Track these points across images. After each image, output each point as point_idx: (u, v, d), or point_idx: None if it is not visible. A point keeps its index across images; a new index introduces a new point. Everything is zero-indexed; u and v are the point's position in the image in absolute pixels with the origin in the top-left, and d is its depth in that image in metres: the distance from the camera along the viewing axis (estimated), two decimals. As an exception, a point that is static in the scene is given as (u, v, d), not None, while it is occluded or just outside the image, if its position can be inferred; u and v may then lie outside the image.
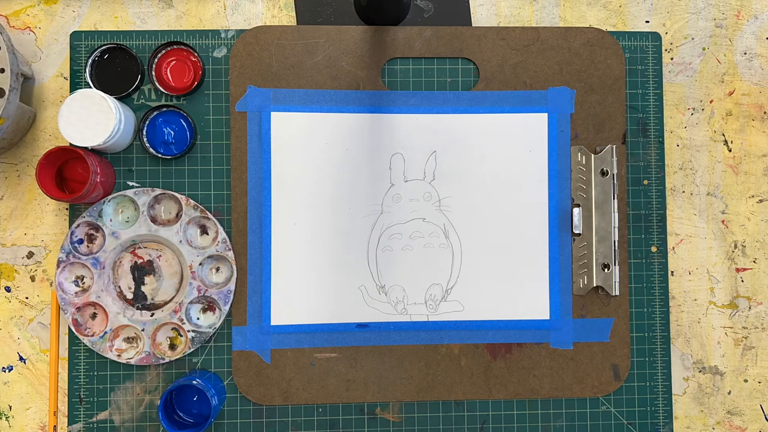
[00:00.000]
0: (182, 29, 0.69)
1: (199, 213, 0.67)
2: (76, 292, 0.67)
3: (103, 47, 0.67)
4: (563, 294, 0.69)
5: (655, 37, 0.71)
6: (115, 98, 0.67)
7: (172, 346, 0.67)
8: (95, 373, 0.67)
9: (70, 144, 0.64)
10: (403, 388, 0.68)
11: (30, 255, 0.68)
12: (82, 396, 0.67)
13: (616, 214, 0.68)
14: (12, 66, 0.60)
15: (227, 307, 0.67)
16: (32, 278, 0.68)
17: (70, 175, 0.67)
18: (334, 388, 0.68)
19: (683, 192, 0.72)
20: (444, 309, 0.69)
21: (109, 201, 0.66)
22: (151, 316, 0.67)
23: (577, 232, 0.69)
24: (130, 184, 0.68)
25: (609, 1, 0.72)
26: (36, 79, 0.69)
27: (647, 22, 0.72)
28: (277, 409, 0.68)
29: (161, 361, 0.66)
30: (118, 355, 0.66)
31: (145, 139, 0.68)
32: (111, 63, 0.68)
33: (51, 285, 0.68)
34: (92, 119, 0.62)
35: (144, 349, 0.66)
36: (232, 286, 0.67)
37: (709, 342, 0.71)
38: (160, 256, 0.68)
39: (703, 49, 0.72)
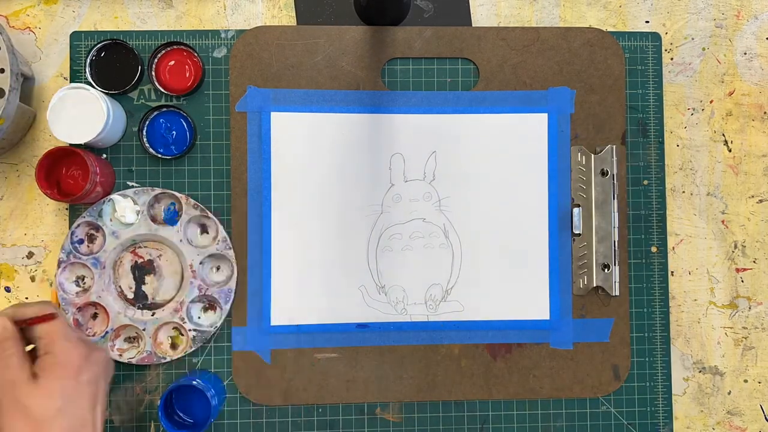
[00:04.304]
0: (182, 29, 0.69)
1: (199, 212, 0.67)
2: (77, 292, 0.67)
3: (100, 44, 0.67)
4: (563, 294, 0.69)
5: (655, 37, 0.71)
6: (117, 95, 0.67)
7: (174, 346, 0.67)
8: (95, 373, 0.67)
9: (70, 144, 0.64)
10: (403, 388, 0.68)
11: (30, 255, 0.68)
12: (82, 396, 0.67)
13: (616, 214, 0.68)
14: (12, 66, 0.60)
15: (228, 306, 0.67)
16: (32, 278, 0.68)
17: (69, 176, 0.67)
18: (334, 388, 0.68)
19: (683, 192, 0.72)
20: (444, 309, 0.69)
21: (109, 201, 0.66)
22: (152, 315, 0.67)
23: (577, 232, 0.69)
24: (130, 184, 0.68)
25: (609, 1, 0.72)
26: (36, 79, 0.69)
27: (647, 22, 0.72)
28: (277, 409, 0.68)
29: (163, 361, 0.66)
30: (120, 355, 0.66)
31: (145, 139, 0.68)
32: (110, 60, 0.68)
33: (51, 285, 0.68)
34: (81, 115, 0.63)
35: (145, 349, 0.66)
36: (232, 284, 0.67)
37: (709, 342, 0.71)
38: (161, 255, 0.68)
39: (703, 49, 0.72)
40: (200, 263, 0.67)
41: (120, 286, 0.68)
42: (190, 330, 0.66)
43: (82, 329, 0.66)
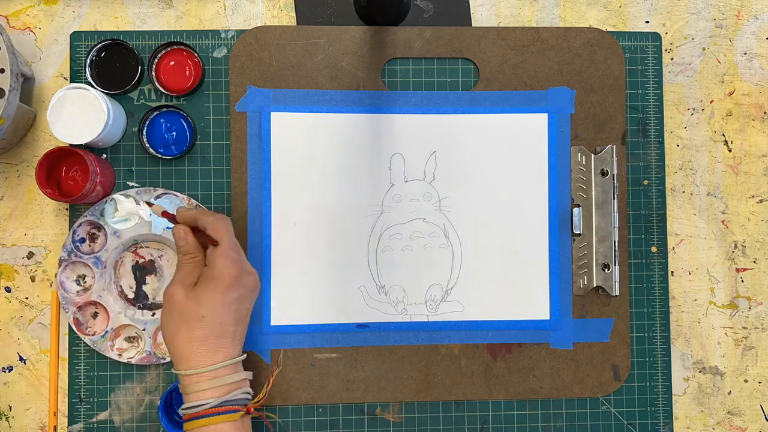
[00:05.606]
0: (182, 29, 0.69)
1: (200, 213, 0.67)
2: (77, 291, 0.67)
3: (100, 45, 0.67)
4: (563, 294, 0.69)
5: (655, 37, 0.71)
6: (117, 95, 0.67)
7: (173, 346, 0.67)
8: (95, 374, 0.67)
9: (70, 144, 0.64)
10: (403, 388, 0.68)
11: (30, 255, 0.68)
12: (82, 396, 0.67)
13: (616, 214, 0.68)
14: (12, 66, 0.60)
15: (227, 307, 0.67)
16: (32, 278, 0.68)
17: (70, 176, 0.67)
18: (334, 388, 0.68)
19: (683, 192, 0.72)
20: (444, 309, 0.69)
21: (111, 200, 0.66)
22: (152, 315, 0.67)
23: (577, 232, 0.69)
24: (130, 184, 0.68)
25: (609, 1, 0.72)
26: (36, 79, 0.69)
27: (647, 22, 0.72)
28: (277, 409, 0.68)
29: (162, 361, 0.66)
30: (119, 355, 0.66)
31: (145, 139, 0.68)
32: (110, 60, 0.68)
33: (51, 285, 0.68)
34: (81, 115, 0.63)
35: (145, 349, 0.66)
36: (232, 286, 0.67)
37: (709, 342, 0.71)
38: (162, 255, 0.68)
39: (703, 49, 0.72)
40: (200, 263, 0.67)
41: (121, 286, 0.68)
42: (190, 330, 0.66)
43: (83, 327, 0.66)
